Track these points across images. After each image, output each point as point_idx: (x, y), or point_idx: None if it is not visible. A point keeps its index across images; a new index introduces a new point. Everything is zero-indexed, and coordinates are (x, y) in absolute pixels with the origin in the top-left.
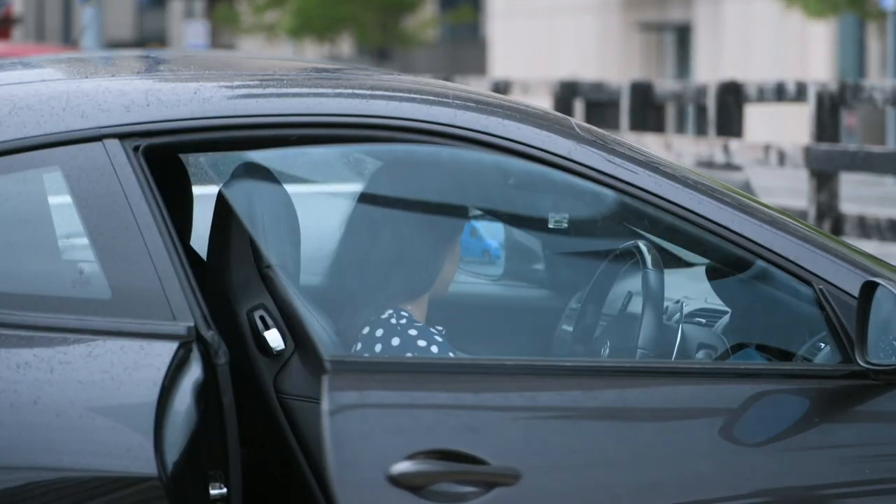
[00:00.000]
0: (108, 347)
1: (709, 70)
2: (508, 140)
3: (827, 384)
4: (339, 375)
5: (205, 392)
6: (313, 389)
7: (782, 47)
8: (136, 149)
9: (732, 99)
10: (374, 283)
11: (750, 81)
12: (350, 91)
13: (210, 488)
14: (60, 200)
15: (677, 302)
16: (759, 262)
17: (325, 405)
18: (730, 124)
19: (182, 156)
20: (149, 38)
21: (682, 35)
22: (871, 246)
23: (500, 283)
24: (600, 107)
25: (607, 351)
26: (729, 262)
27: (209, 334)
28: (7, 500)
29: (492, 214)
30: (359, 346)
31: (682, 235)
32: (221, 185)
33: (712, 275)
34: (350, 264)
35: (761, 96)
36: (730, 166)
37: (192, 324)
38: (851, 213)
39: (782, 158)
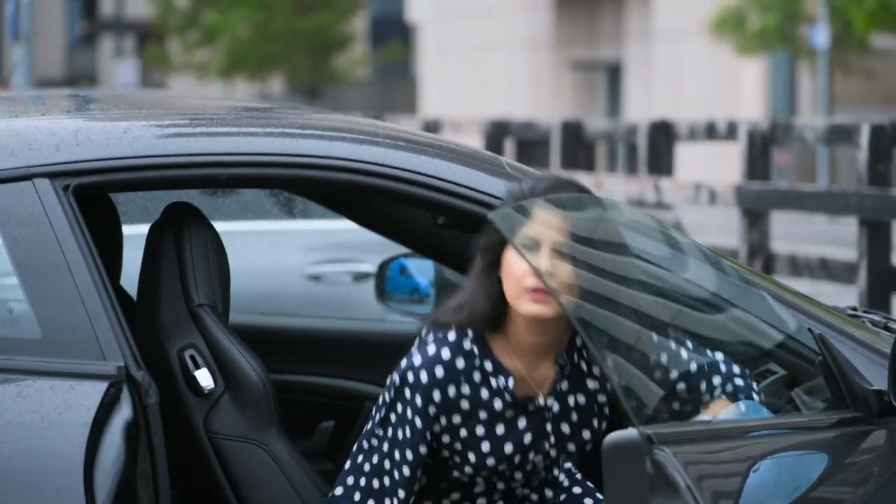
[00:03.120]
0: (37, 387)
1: (640, 108)
2: (438, 179)
3: (825, 433)
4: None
5: (135, 432)
6: (243, 429)
7: (714, 85)
8: (66, 188)
9: (663, 137)
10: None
11: (681, 120)
12: (280, 130)
13: None
14: None
15: None
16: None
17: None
18: (661, 163)
19: (112, 195)
20: (79, 77)
21: (613, 73)
22: (802, 284)
23: None
24: (531, 145)
25: None
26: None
27: (139, 374)
28: None
29: (422, 252)
30: None
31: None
32: (151, 224)
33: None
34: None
35: (692, 135)
36: (661, 205)
37: (122, 363)
38: (783, 252)
39: (713, 197)
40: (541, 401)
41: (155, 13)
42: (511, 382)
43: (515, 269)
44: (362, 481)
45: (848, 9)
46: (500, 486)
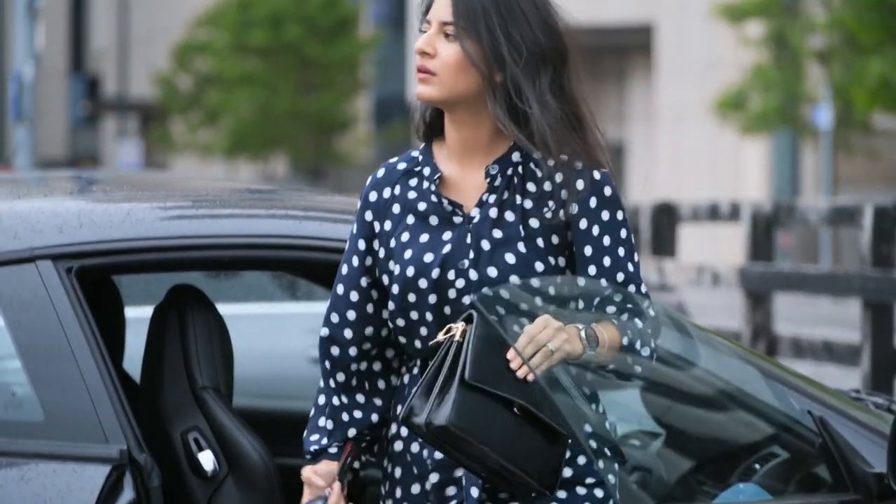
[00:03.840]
0: (40, 471)
1: (643, 189)
2: None
3: None
4: None
5: None
6: None
7: (716, 166)
8: (68, 270)
9: (666, 219)
10: None
11: (683, 201)
12: (283, 212)
13: None
14: None
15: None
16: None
17: None
18: (663, 244)
19: (115, 277)
20: (81, 157)
21: (616, 155)
22: (805, 367)
23: None
24: None
25: None
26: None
27: (142, 457)
28: None
29: None
30: None
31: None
32: (154, 306)
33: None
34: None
35: (695, 216)
36: (664, 287)
37: (124, 447)
38: (786, 335)
39: (716, 279)
40: (468, 212)
41: (158, 94)
42: (436, 182)
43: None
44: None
45: (849, 88)
46: (438, 329)
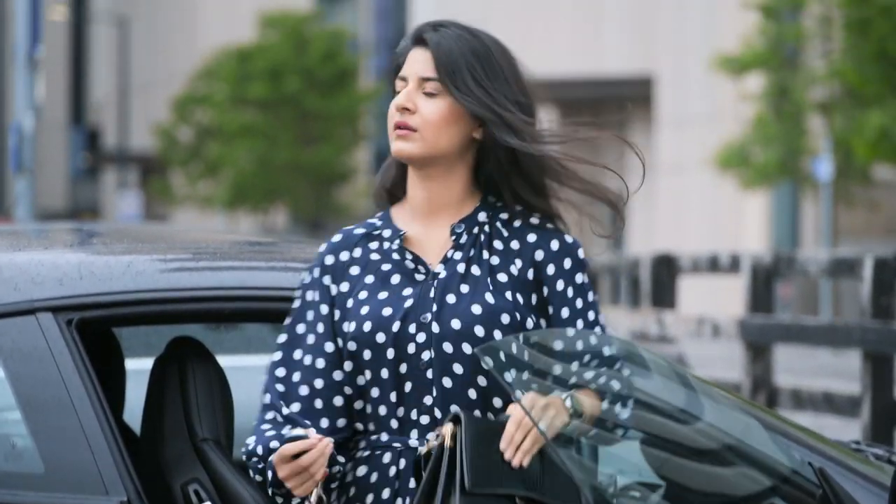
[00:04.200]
0: None
1: (643, 241)
2: None
3: None
4: None
5: None
6: None
7: (716, 218)
8: (69, 322)
9: (666, 271)
10: None
11: (683, 253)
12: (283, 264)
13: None
14: None
15: (610, 476)
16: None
17: None
18: (664, 296)
19: (115, 329)
20: (82, 209)
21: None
22: (805, 418)
23: None
24: None
25: None
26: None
27: None
28: None
29: None
30: None
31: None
32: (155, 358)
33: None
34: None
35: (695, 268)
36: (664, 339)
37: (125, 498)
38: (786, 386)
39: (716, 331)
40: (432, 268)
41: (158, 146)
42: (398, 242)
43: (390, 111)
44: (279, 385)
45: (850, 139)
46: (391, 389)
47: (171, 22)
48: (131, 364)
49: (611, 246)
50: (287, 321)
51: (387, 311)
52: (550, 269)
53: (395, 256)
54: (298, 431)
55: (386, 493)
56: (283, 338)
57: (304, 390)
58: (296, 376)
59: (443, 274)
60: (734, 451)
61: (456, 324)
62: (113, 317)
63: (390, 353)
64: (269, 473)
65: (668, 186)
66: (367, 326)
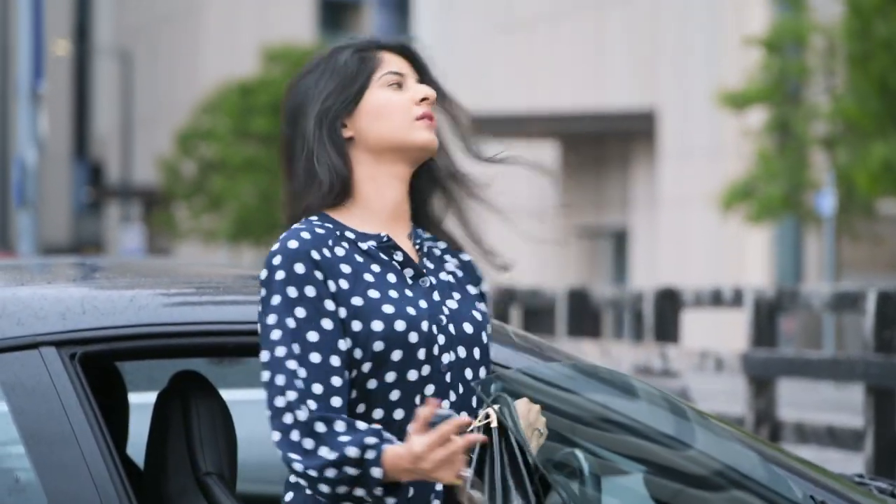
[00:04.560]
0: None
1: (646, 275)
2: None
3: None
4: None
5: None
6: None
7: (719, 252)
8: (72, 356)
9: (669, 305)
10: None
11: (687, 287)
12: None
13: None
14: None
15: None
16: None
17: None
18: (667, 330)
19: (118, 363)
20: (85, 243)
21: (619, 240)
22: (809, 452)
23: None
24: (537, 313)
25: None
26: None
27: None
28: None
29: None
30: None
31: (621, 442)
32: (158, 392)
33: (650, 483)
34: None
35: (698, 302)
36: (667, 373)
37: None
38: (789, 420)
39: (720, 365)
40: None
41: (161, 180)
42: (383, 237)
43: (396, 103)
44: (287, 397)
45: (853, 173)
46: (415, 392)
47: (173, 56)
48: (134, 398)
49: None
50: (274, 319)
51: (411, 311)
52: (484, 286)
53: (383, 257)
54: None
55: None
56: (278, 335)
57: (318, 389)
58: (306, 373)
59: (435, 279)
60: (736, 483)
61: (468, 328)
62: (116, 351)
63: (421, 354)
64: (376, 471)
65: (670, 220)
66: (401, 325)
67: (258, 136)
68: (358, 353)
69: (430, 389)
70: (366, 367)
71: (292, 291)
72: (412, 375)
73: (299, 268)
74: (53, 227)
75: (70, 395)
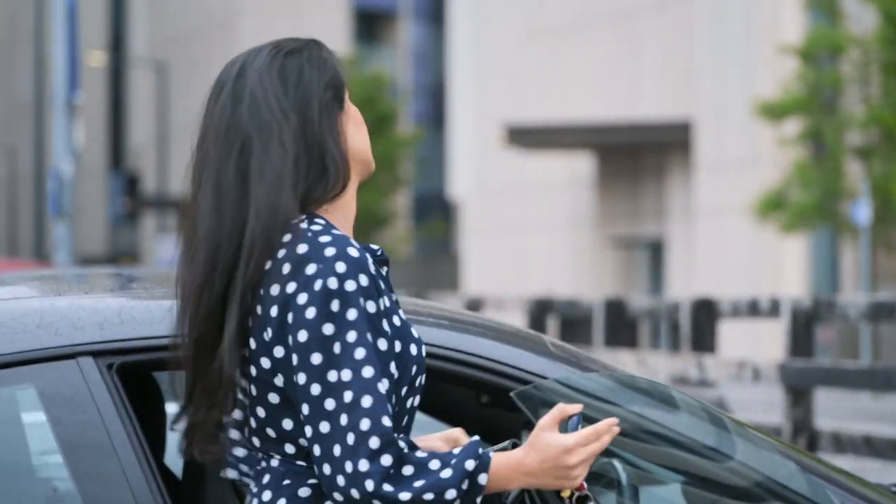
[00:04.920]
0: None
1: (682, 285)
2: (482, 358)
3: None
4: None
5: None
6: None
7: (756, 262)
8: (109, 366)
9: (706, 315)
10: None
11: (723, 297)
12: None
13: None
14: (34, 418)
15: None
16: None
17: None
18: (704, 340)
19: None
20: (121, 254)
21: (656, 251)
22: (846, 461)
23: None
24: (574, 323)
25: None
26: (703, 481)
27: None
28: None
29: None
30: None
31: (658, 453)
32: None
33: (688, 493)
34: None
35: (735, 312)
36: (704, 383)
37: None
38: (826, 429)
39: (757, 374)
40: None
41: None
42: (377, 250)
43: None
44: (355, 424)
45: (888, 183)
46: (408, 419)
47: (209, 66)
48: (171, 408)
49: (650, 290)
50: (355, 336)
51: (415, 333)
52: None
53: (381, 271)
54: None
55: None
56: (363, 354)
57: (387, 421)
58: (377, 406)
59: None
60: (774, 493)
61: (424, 353)
62: (153, 361)
63: (422, 380)
64: (483, 477)
65: (707, 231)
66: (422, 350)
67: None
68: (405, 374)
69: (411, 416)
70: (403, 391)
71: (371, 306)
72: (416, 401)
73: (364, 279)
74: (89, 237)
75: (108, 404)
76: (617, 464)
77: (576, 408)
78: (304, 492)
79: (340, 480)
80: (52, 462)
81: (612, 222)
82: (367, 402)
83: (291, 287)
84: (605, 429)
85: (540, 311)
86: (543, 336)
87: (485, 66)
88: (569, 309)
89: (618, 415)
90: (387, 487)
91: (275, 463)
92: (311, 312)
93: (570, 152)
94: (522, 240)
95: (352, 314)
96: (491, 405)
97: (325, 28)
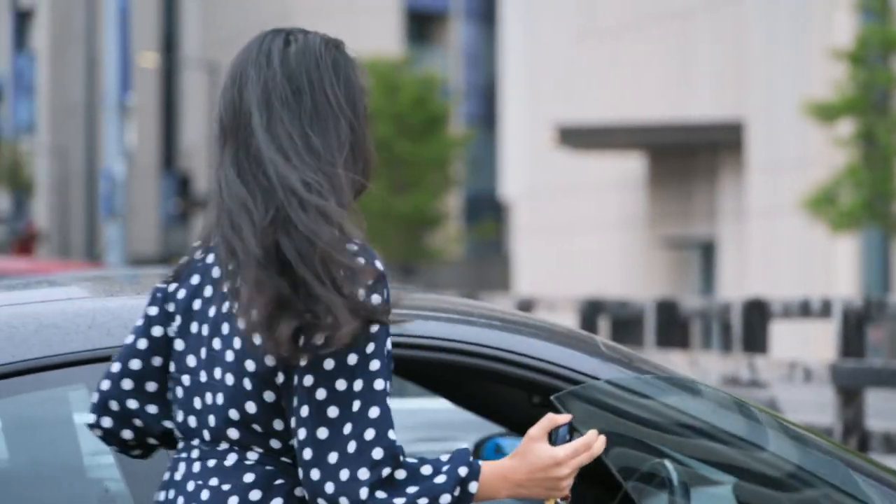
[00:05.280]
0: None
1: (734, 286)
2: (534, 359)
3: None
4: None
5: None
6: None
7: (807, 263)
8: None
9: (757, 315)
10: None
11: (775, 298)
12: None
13: None
14: (86, 419)
15: None
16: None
17: None
18: (755, 341)
19: None
20: (173, 254)
21: (707, 251)
22: None
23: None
24: (625, 324)
25: None
26: (757, 480)
27: None
28: None
29: (517, 432)
30: None
31: (709, 453)
32: None
33: (739, 493)
34: None
35: (786, 312)
36: (755, 383)
37: None
38: (877, 430)
39: (808, 375)
40: None
41: None
42: None
43: None
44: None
45: None
46: None
47: None
48: None
49: (701, 290)
50: (373, 347)
51: None
52: None
53: None
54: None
55: None
56: (377, 366)
57: (392, 434)
58: (386, 422)
59: None
60: (827, 496)
61: None
62: None
63: None
64: (474, 486)
65: (758, 231)
66: None
67: None
68: None
69: None
70: None
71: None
72: None
73: (386, 294)
74: (141, 238)
75: None
76: (668, 464)
77: (564, 418)
78: (299, 491)
79: (329, 487)
80: (104, 462)
81: (664, 223)
82: (374, 413)
83: None
84: (594, 440)
85: (591, 311)
86: (595, 336)
87: (536, 67)
88: (620, 309)
89: (668, 415)
90: (380, 495)
91: (253, 458)
92: None
93: (622, 153)
94: (573, 240)
95: (374, 326)
96: (542, 406)
97: (378, 29)
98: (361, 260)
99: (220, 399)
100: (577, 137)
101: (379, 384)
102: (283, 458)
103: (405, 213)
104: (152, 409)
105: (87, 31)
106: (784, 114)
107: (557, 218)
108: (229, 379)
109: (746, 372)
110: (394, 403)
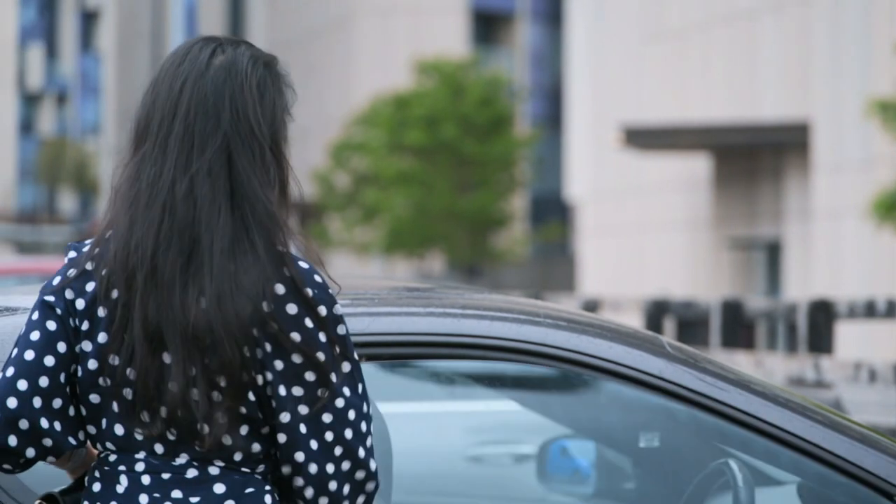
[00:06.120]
0: None
1: (799, 287)
2: (599, 359)
3: None
4: None
5: None
6: None
7: (873, 264)
8: None
9: (823, 316)
10: None
11: (840, 298)
12: (441, 310)
13: None
14: None
15: None
16: (851, 481)
17: None
18: (820, 341)
19: None
20: None
21: (773, 252)
22: None
23: (590, 502)
24: (691, 325)
25: None
26: (820, 480)
27: None
28: None
29: (583, 434)
30: None
31: (773, 454)
32: None
33: (803, 493)
34: None
35: (852, 313)
36: (820, 384)
37: None
38: None
39: (873, 376)
40: None
41: (315, 192)
42: None
43: None
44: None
45: None
46: None
47: (326, 69)
48: None
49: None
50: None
51: None
52: None
53: None
54: None
55: None
56: (360, 370)
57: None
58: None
59: None
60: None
61: None
62: None
63: None
64: None
65: (824, 232)
66: None
67: (412, 149)
68: None
69: None
70: None
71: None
72: None
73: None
74: None
75: None
76: (732, 464)
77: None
78: (268, 499)
79: (334, 484)
80: None
81: (729, 223)
82: (366, 408)
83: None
84: None
85: (657, 311)
86: (660, 337)
87: (602, 67)
88: (685, 310)
89: (729, 415)
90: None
91: (215, 471)
92: (323, 336)
93: (687, 153)
94: (639, 241)
95: (351, 341)
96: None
97: (444, 29)
98: None
99: (181, 413)
100: (643, 138)
101: (361, 388)
102: (243, 469)
103: (470, 213)
104: (59, 426)
105: (154, 32)
106: (850, 114)
107: (623, 219)
108: (195, 394)
109: (812, 373)
110: (460, 405)
